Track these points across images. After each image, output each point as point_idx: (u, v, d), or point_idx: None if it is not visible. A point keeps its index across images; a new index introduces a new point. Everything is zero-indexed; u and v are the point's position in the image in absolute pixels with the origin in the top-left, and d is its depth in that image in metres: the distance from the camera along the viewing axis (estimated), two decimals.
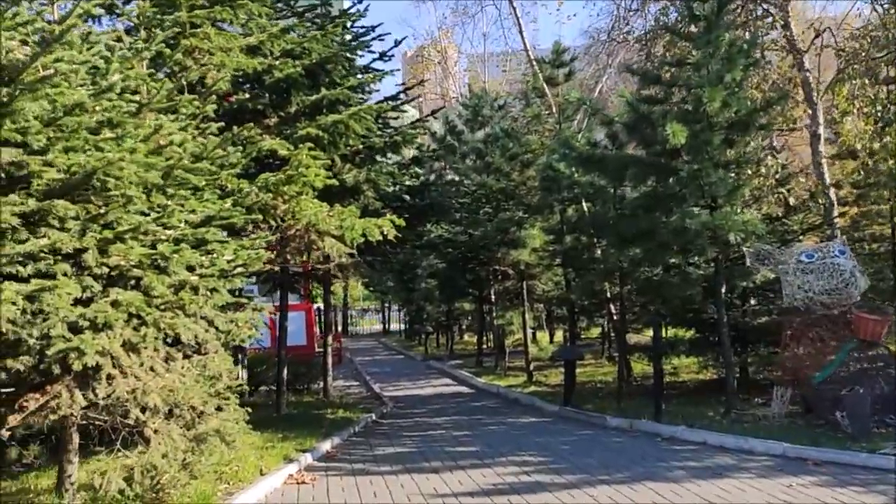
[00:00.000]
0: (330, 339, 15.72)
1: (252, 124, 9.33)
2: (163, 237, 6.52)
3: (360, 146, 10.38)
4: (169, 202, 6.46)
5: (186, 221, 6.93)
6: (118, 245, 5.78)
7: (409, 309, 35.70)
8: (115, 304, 5.93)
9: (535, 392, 16.22)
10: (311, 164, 8.18)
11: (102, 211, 5.63)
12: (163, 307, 6.29)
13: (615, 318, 16.10)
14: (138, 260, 6.04)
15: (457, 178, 21.24)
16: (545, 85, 15.71)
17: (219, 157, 6.82)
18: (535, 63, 17.74)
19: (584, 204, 14.46)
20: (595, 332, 22.96)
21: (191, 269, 6.96)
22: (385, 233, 9.37)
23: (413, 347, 33.12)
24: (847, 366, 9.66)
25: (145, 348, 6.43)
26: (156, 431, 6.85)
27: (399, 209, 13.73)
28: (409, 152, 14.52)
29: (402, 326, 42.13)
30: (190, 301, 6.51)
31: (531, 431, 10.86)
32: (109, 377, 5.87)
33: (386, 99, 12.10)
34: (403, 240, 14.01)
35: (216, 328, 7.84)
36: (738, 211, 10.50)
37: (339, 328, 48.01)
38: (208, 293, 6.99)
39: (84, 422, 6.60)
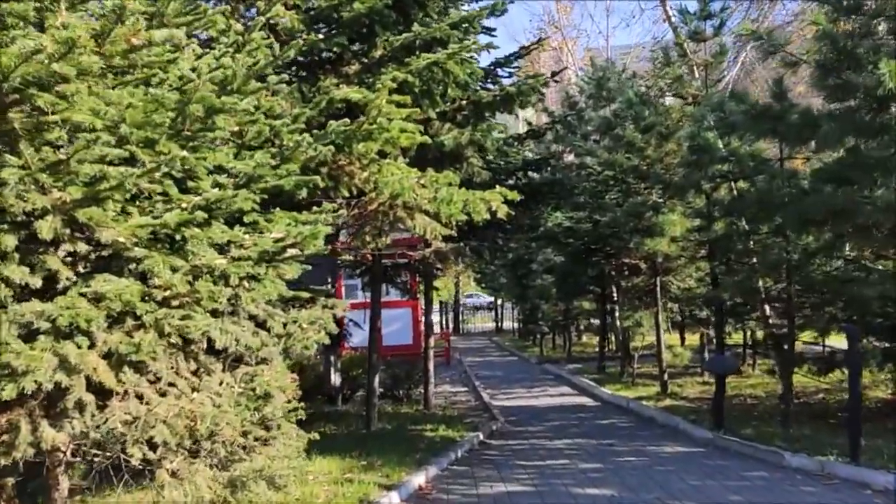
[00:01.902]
0: (433, 340, 13.69)
1: (325, 74, 7.41)
2: (182, 204, 4.63)
3: (463, 100, 8.27)
4: (187, 154, 4.54)
5: (218, 184, 5.03)
6: (93, 210, 3.90)
7: (522, 307, 33.35)
8: (96, 297, 4.07)
9: (673, 407, 13.62)
10: (393, 113, 6.11)
11: (63, 155, 3.75)
12: (171, 302, 4.38)
13: (771, 321, 13.27)
14: (132, 233, 4.15)
15: (577, 162, 18.80)
16: (688, 42, 13.04)
17: (253, 90, 4.84)
18: (673, 16, 15.03)
19: (739, 183, 11.74)
20: (737, 336, 19.87)
21: (222, 249, 5.06)
22: (494, 210, 7.20)
23: (527, 348, 30.80)
24: None
25: (154, 359, 4.57)
26: (173, 474, 4.99)
27: (513, 187, 11.55)
28: (526, 115, 12.29)
29: (515, 325, 39.82)
30: (209, 294, 4.58)
31: (681, 468, 8.40)
32: (80, 403, 4.02)
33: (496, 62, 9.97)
34: (518, 224, 11.84)
35: (268, 331, 5.96)
36: None
37: (451, 326, 46.36)
38: (247, 283, 5.05)
39: (76, 458, 4.84)
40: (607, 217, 14.66)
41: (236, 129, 4.98)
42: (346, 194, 6.57)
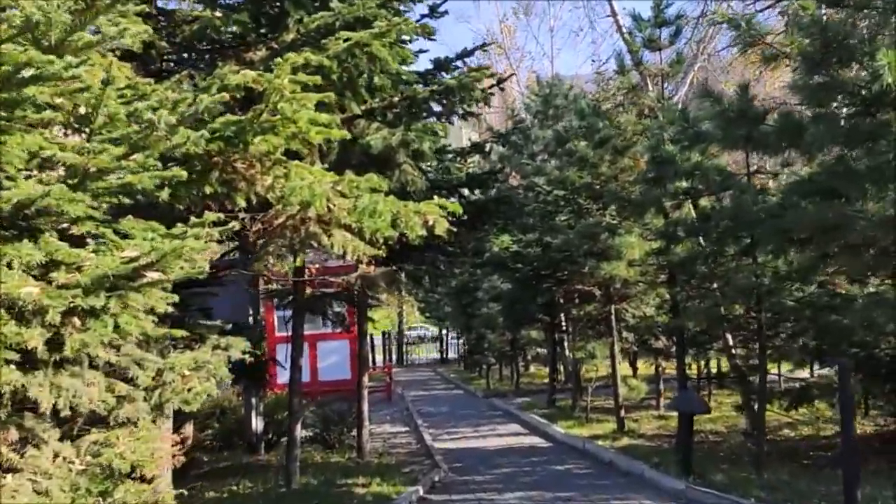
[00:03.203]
0: (367, 376, 12.21)
1: (225, 61, 6.05)
2: None
3: (395, 97, 6.97)
4: None
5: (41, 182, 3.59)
6: None
7: (468, 337, 32.04)
8: None
9: (632, 448, 12.43)
10: (302, 99, 4.77)
11: None
12: None
13: (734, 351, 12.28)
14: None
15: (524, 183, 17.71)
16: (643, 49, 12.07)
17: (84, 44, 3.44)
18: (625, 26, 14.12)
19: (703, 200, 10.74)
20: (694, 367, 18.90)
21: (45, 269, 3.60)
22: (432, 225, 5.87)
23: (473, 380, 29.41)
24: None
25: None
26: None
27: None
28: (472, 136, 11.05)
29: (461, 355, 38.43)
30: (15, 337, 3.12)
31: None
32: None
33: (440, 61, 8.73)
34: (461, 246, 10.56)
35: (132, 382, 4.50)
36: None
37: (394, 358, 44.72)
38: (78, 320, 3.60)
39: None
40: (559, 240, 13.50)
41: (60, 101, 3.54)
42: (243, 203, 5.16)
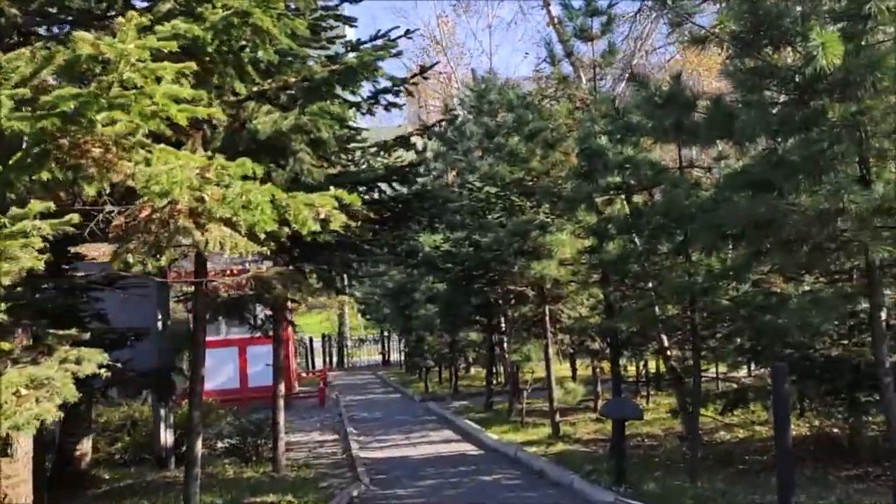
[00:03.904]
0: (283, 386, 11.40)
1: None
2: None
3: (290, 78, 6.22)
4: None
5: None
6: None
7: (408, 339, 31.34)
8: None
9: (566, 454, 11.97)
10: (157, 70, 4.04)
11: None
12: None
13: (670, 352, 11.90)
14: None
15: (458, 181, 17.13)
16: (575, 40, 11.57)
17: None
18: (556, 17, 13.61)
19: (635, 196, 10.29)
20: (631, 369, 18.60)
21: None
22: (325, 218, 5.18)
23: (412, 383, 28.70)
24: None
25: None
26: None
27: (377, 201, 9.57)
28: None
29: (403, 357, 37.68)
30: None
31: None
32: None
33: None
34: (381, 244, 9.90)
35: None
36: None
37: (333, 361, 43.71)
38: None
39: None
40: (489, 238, 12.91)
41: None
42: (92, 192, 4.40)
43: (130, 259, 4.64)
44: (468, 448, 13.58)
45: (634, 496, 8.42)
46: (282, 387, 11.01)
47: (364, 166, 9.90)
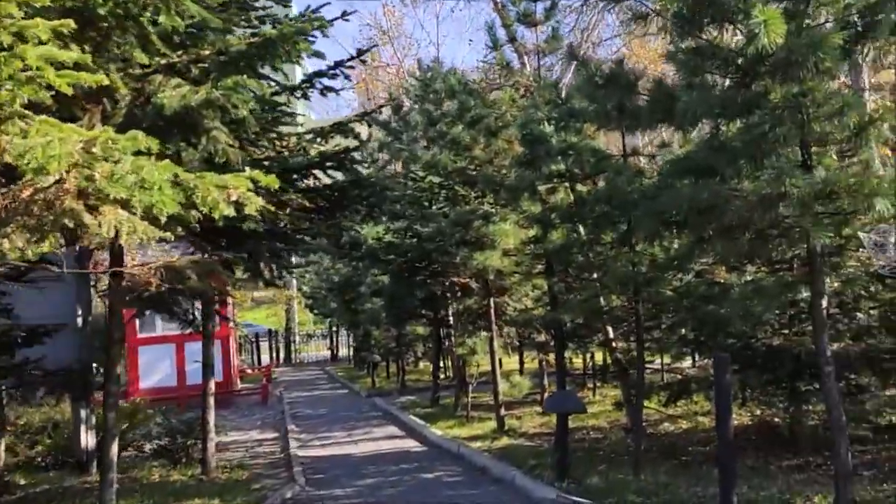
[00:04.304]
0: (209, 386, 10.82)
1: None
2: None
3: (204, 49, 5.74)
4: None
5: None
6: None
7: (355, 334, 30.87)
8: None
9: (510, 449, 11.73)
10: (27, 27, 3.56)
11: None
12: None
13: (615, 344, 11.75)
14: None
15: (403, 172, 16.73)
16: (518, 25, 11.27)
17: None
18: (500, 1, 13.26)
19: (579, 184, 10.04)
20: (577, 361, 18.49)
21: None
22: (240, 201, 4.74)
23: (360, 378, 28.26)
24: None
25: None
26: None
27: (311, 189, 9.12)
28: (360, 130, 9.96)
29: (351, 352, 37.17)
30: None
31: None
32: None
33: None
34: (314, 233, 9.45)
35: None
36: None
37: (281, 356, 42.96)
38: None
39: None
40: (431, 228, 12.54)
41: None
42: None
43: (6, 245, 4.14)
44: (412, 445, 13.23)
45: (577, 491, 8.20)
46: (212, 384, 10.46)
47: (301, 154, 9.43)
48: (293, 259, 13.04)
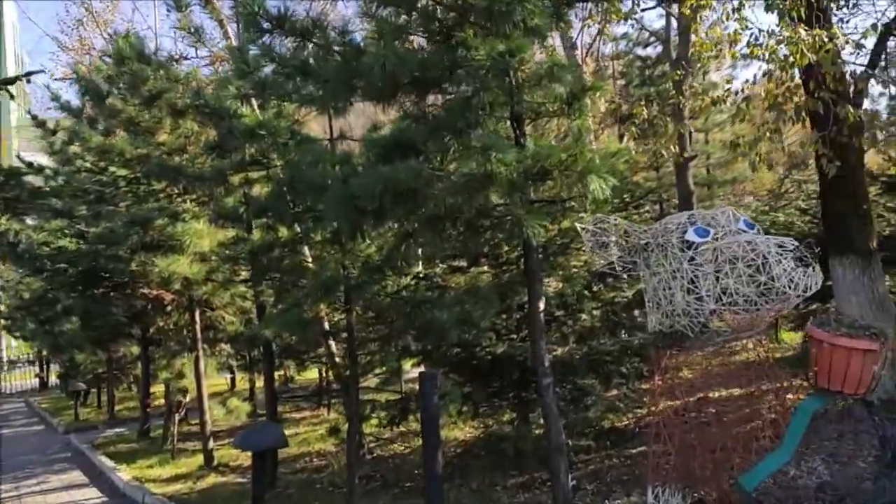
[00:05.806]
0: None
1: None
2: None
3: None
4: None
5: None
6: None
7: (61, 360, 26.65)
8: None
9: (215, 489, 9.95)
10: None
11: None
12: None
13: (338, 359, 10.45)
14: None
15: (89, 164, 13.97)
16: None
17: None
18: None
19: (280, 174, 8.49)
20: (312, 374, 16.95)
21: None
22: None
23: (66, 409, 24.26)
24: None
25: None
26: None
27: None
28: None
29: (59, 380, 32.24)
30: None
31: None
32: None
33: None
34: None
35: None
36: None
37: None
38: None
39: None
40: (100, 229, 10.22)
41: None
42: None
43: None
44: (92, 495, 10.77)
45: None
46: None
47: None
48: None
